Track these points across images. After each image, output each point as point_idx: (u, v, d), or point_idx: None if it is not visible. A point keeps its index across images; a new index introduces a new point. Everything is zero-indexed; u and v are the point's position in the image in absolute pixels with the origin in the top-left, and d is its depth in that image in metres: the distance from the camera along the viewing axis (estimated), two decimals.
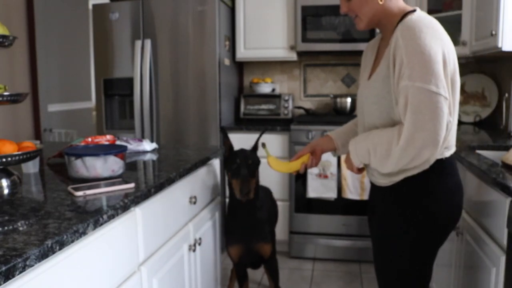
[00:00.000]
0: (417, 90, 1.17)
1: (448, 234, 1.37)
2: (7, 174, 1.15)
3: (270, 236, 2.08)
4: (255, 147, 2.05)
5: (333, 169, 2.86)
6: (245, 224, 2.00)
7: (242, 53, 3.28)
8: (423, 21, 1.23)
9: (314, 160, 1.62)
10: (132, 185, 1.30)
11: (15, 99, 1.15)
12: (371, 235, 1.49)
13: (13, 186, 1.14)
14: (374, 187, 1.47)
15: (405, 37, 1.21)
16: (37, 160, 1.56)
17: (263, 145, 1.69)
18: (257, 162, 1.98)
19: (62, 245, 0.89)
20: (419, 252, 1.35)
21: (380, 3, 1.32)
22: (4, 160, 1.09)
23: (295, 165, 1.61)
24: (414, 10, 1.30)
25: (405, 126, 1.19)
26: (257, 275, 2.80)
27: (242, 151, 1.98)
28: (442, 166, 1.32)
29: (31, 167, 1.54)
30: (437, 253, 1.39)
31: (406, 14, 1.29)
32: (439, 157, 1.30)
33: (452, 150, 1.35)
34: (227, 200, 2.38)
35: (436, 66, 1.18)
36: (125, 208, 1.16)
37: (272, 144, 3.03)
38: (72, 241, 0.93)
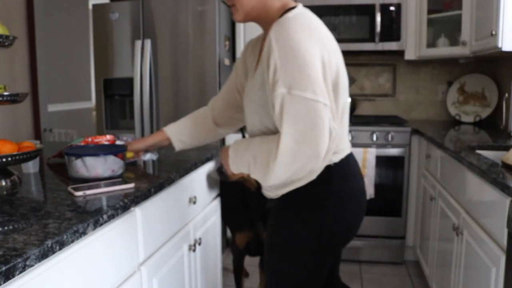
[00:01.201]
0: (293, 98, 1.04)
1: (348, 242, 1.29)
2: (7, 174, 1.15)
3: None
4: None
5: None
6: (256, 212, 2.07)
7: None
8: (300, 21, 1.10)
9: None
10: (132, 185, 1.30)
11: (15, 99, 1.15)
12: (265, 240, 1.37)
13: (13, 186, 1.15)
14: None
15: (278, 39, 1.08)
16: (37, 160, 1.56)
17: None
18: None
19: (62, 245, 0.89)
20: (311, 265, 1.26)
21: None
22: (4, 160, 1.09)
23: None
24: (295, 7, 1.16)
25: (282, 139, 1.04)
26: (257, 275, 2.80)
27: None
28: (330, 173, 1.21)
29: (31, 167, 1.53)
30: (329, 264, 1.30)
31: (286, 11, 1.15)
32: (326, 163, 1.19)
33: (342, 154, 1.24)
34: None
35: (312, 70, 1.06)
36: (125, 208, 1.16)
37: None
38: (72, 241, 0.93)
